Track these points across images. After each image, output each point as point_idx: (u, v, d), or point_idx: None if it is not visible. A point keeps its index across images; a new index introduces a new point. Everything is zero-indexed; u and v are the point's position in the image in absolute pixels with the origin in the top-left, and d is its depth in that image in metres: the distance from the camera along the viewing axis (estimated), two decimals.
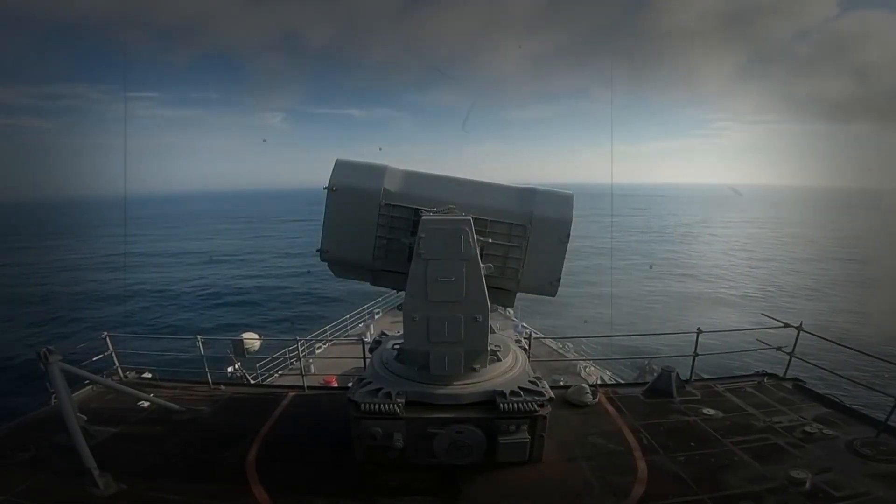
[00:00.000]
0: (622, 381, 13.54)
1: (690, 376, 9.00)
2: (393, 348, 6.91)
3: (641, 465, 6.35)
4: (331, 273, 7.12)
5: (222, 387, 9.36)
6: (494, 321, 6.73)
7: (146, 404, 8.17)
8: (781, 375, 9.13)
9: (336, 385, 12.77)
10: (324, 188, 6.42)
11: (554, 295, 6.79)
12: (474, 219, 5.88)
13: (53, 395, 6.89)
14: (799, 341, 8.56)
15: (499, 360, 6.63)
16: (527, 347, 8.26)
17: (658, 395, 8.48)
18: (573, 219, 6.56)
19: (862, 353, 8.34)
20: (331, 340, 18.70)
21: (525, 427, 6.07)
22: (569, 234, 6.52)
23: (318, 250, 6.63)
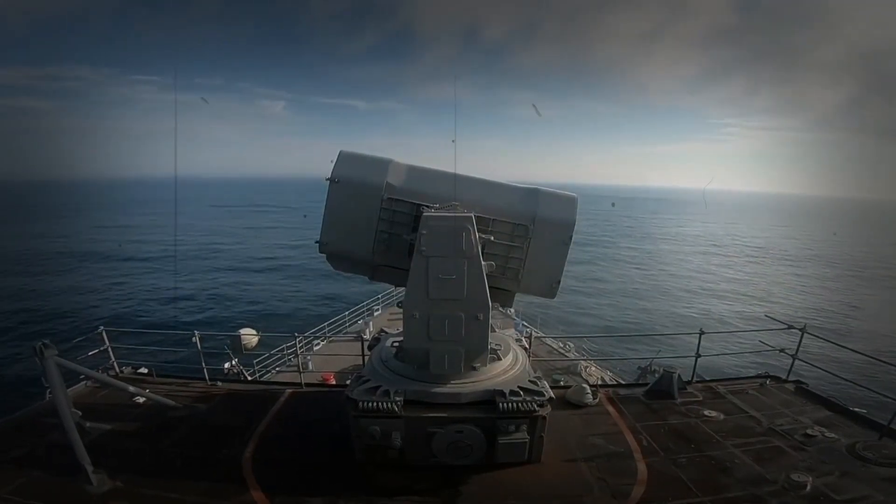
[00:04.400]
0: (623, 382, 13.49)
1: (692, 377, 8.95)
2: (392, 346, 6.85)
3: (641, 467, 6.30)
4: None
5: (219, 383, 9.29)
6: (495, 320, 6.67)
7: (142, 400, 8.10)
8: (784, 377, 9.09)
9: (334, 383, 12.73)
10: (325, 179, 6.33)
11: (553, 297, 6.70)
12: (476, 217, 5.81)
13: (48, 391, 6.82)
14: (802, 343, 8.52)
15: (499, 359, 6.56)
16: (527, 347, 8.20)
17: (659, 396, 8.42)
18: (576, 221, 6.49)
19: (865, 355, 8.29)
20: (329, 337, 18.67)
21: (524, 427, 6.01)
22: (571, 237, 6.44)
23: (317, 242, 6.56)
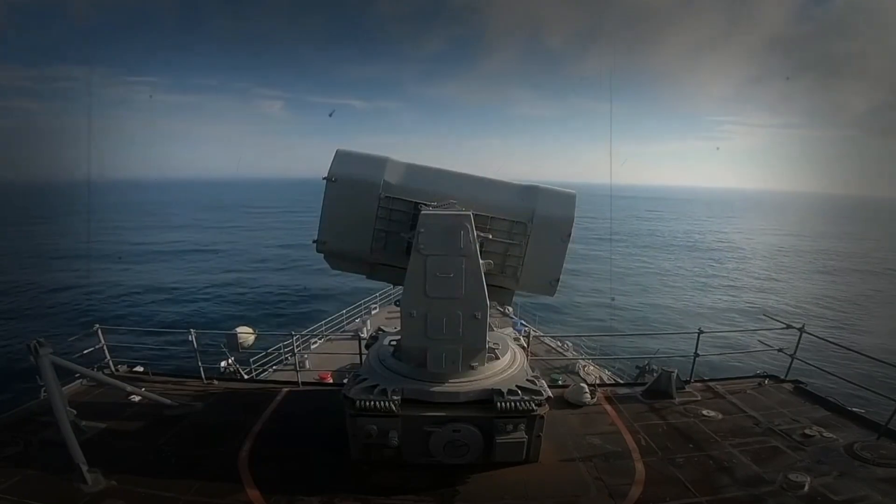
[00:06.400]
0: (621, 381, 13.48)
1: (690, 377, 8.94)
2: (390, 344, 6.82)
3: (639, 467, 6.29)
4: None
5: (215, 382, 9.27)
6: (493, 319, 6.64)
7: (137, 399, 8.05)
8: (782, 377, 9.08)
9: (331, 381, 12.69)
10: (323, 178, 6.29)
11: (552, 294, 6.67)
12: (475, 215, 5.78)
13: (43, 389, 6.77)
14: (801, 343, 8.51)
15: (497, 358, 6.53)
16: (525, 346, 8.17)
17: (657, 395, 8.42)
18: (574, 218, 6.46)
19: (863, 354, 8.29)
20: (326, 336, 18.60)
21: (522, 426, 5.99)
22: (570, 234, 6.42)
23: (314, 241, 6.52)
